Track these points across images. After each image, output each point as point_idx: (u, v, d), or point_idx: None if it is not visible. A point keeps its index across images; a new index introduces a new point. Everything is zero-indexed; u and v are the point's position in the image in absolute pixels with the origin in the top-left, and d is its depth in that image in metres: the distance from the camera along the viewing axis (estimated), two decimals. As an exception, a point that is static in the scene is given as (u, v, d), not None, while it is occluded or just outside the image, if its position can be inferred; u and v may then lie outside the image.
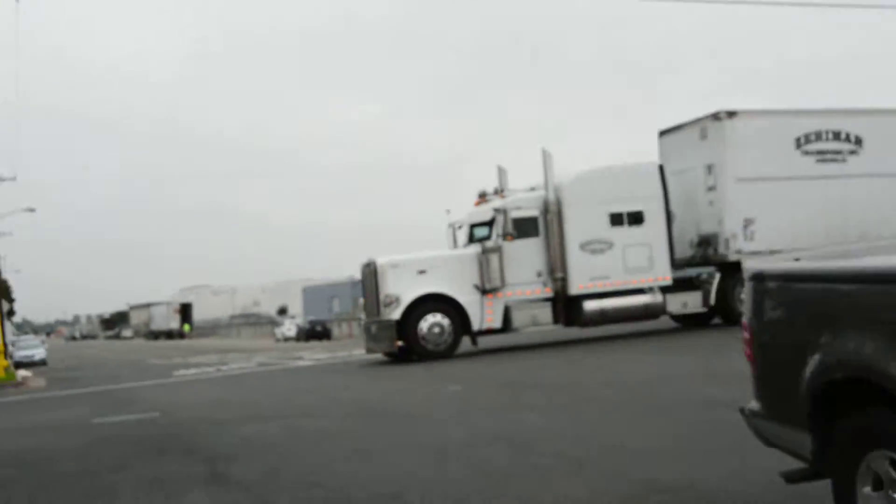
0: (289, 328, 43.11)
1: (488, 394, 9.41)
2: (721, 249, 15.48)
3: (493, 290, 14.20)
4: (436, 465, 5.69)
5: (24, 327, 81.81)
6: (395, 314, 13.76)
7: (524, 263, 14.45)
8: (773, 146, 15.63)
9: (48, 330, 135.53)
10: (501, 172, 16.07)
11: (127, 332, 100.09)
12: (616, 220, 14.70)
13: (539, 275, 14.51)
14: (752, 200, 15.38)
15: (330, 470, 5.92)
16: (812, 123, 15.97)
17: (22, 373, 24.35)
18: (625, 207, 14.74)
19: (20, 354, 32.15)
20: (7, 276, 43.23)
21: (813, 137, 15.87)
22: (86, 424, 10.15)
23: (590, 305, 14.53)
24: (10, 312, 44.70)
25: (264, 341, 44.47)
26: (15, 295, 60.39)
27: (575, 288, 14.45)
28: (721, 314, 15.60)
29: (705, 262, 15.89)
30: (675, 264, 15.83)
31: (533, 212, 14.59)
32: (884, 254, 3.10)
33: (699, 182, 15.94)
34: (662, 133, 17.15)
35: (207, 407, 10.95)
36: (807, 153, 15.84)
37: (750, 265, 3.36)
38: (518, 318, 14.37)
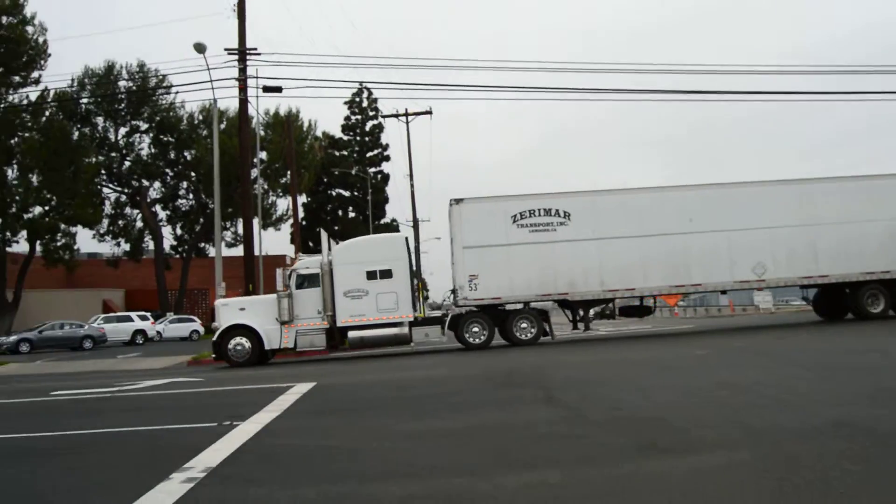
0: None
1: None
2: (456, 297, 21.43)
3: (287, 322, 20.98)
4: (686, 399, 8.46)
5: (432, 306, 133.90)
6: (215, 336, 21.18)
7: (309, 304, 20.93)
8: (493, 222, 21.09)
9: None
10: (327, 238, 22.95)
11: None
12: (371, 275, 20.70)
13: (319, 312, 21.05)
14: (476, 262, 21.04)
15: (620, 398, 8.68)
16: (526, 204, 21.27)
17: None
18: (378, 266, 20.76)
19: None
20: (425, 276, 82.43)
21: (527, 214, 21.17)
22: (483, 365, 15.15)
23: (352, 334, 20.75)
24: (425, 298, 77.94)
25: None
26: (429, 287, 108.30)
27: (340, 322, 20.75)
28: (458, 341, 21.45)
29: (455, 305, 21.89)
30: (435, 306, 22.06)
31: (316, 270, 21.15)
32: None
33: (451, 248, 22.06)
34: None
35: (538, 360, 15.54)
36: (522, 226, 21.13)
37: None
38: (301, 342, 20.84)
